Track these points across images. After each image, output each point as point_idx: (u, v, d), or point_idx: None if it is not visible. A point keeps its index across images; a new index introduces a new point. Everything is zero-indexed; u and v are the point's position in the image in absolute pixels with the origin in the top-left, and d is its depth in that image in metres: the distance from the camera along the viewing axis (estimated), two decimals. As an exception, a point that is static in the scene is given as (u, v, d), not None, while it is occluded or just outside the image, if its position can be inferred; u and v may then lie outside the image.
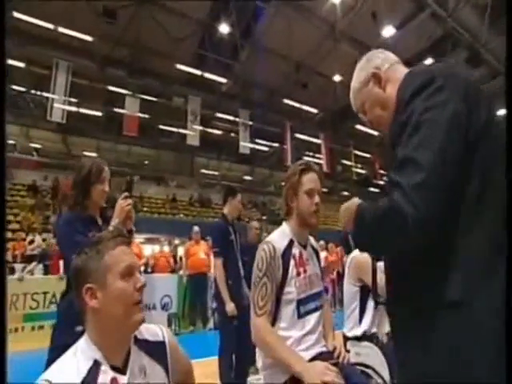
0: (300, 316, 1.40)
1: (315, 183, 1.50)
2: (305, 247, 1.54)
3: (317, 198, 1.49)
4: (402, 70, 1.02)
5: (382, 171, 21.33)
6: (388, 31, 11.86)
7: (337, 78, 14.67)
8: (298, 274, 1.43)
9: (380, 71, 1.03)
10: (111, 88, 13.51)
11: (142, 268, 8.07)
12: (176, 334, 5.84)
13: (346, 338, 2.07)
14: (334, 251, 8.79)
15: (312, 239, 1.67)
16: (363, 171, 22.35)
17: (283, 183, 1.58)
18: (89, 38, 10.87)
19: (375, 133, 19.01)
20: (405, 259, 0.86)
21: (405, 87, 0.89)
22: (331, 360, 1.38)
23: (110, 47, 12.17)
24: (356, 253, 2.07)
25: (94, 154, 16.99)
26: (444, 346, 0.76)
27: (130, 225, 1.76)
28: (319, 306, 1.50)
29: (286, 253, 1.43)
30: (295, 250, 1.47)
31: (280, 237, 1.49)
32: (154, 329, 1.06)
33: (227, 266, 3.05)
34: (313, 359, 1.36)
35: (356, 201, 0.99)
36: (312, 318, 1.44)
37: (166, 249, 8.77)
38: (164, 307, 6.17)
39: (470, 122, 0.80)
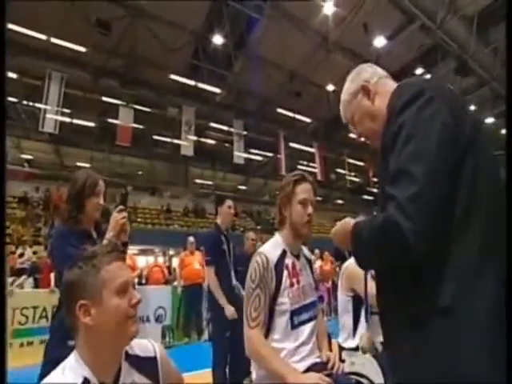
0: (294, 327, 1.40)
1: (309, 193, 1.51)
2: (298, 257, 1.55)
3: (310, 209, 1.50)
4: (391, 84, 1.06)
5: (375, 179, 21.49)
6: (379, 42, 12.14)
7: (330, 87, 14.86)
8: (292, 284, 1.43)
9: (369, 84, 1.05)
10: (105, 99, 13.52)
11: (136, 280, 7.99)
12: (170, 346, 5.75)
13: (341, 348, 2.04)
14: (328, 260, 8.76)
15: (305, 249, 1.68)
16: (357, 179, 22.48)
17: (277, 192, 1.59)
18: (82, 49, 10.87)
19: (368, 141, 19.16)
20: (396, 269, 0.87)
21: (396, 98, 0.91)
22: (325, 371, 1.37)
23: (104, 58, 12.20)
24: (349, 262, 2.07)
25: (87, 165, 16.90)
26: (436, 351, 0.76)
27: (125, 237, 1.74)
28: (313, 317, 1.50)
29: (279, 263, 1.43)
30: (288, 261, 1.47)
31: (273, 247, 1.50)
32: (146, 344, 1.04)
33: (219, 275, 3.04)
34: (307, 370, 1.35)
35: (348, 220, 1.01)
36: (306, 329, 1.43)
37: (160, 260, 8.68)
38: (158, 319, 6.06)
39: (457, 134, 0.82)
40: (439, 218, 0.78)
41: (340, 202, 23.36)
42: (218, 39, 11.76)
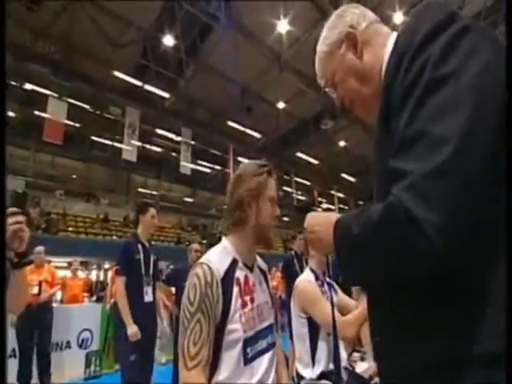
0: (247, 361, 1.04)
1: (275, 191, 1.21)
2: (251, 269, 1.19)
3: (277, 210, 1.20)
4: (386, 32, 0.75)
5: (320, 199, 22.33)
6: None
7: (280, 104, 15.19)
8: (244, 304, 1.08)
9: (356, 31, 0.77)
10: (29, 86, 11.88)
11: (59, 297, 6.98)
12: (96, 376, 4.96)
13: (299, 377, 1.79)
14: (275, 276, 8.59)
15: (259, 258, 1.30)
16: (303, 198, 23.12)
17: (232, 186, 1.20)
18: None
19: (315, 161, 19.98)
20: (406, 289, 0.60)
21: (408, 36, 0.61)
22: None
23: (29, 38, 10.79)
24: (300, 279, 1.86)
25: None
26: None
27: (21, 247, 1.37)
28: (271, 344, 1.16)
29: (228, 277, 1.07)
30: (239, 274, 1.12)
31: (219, 256, 1.12)
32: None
33: (129, 289, 2.72)
34: None
35: (331, 214, 0.74)
36: (263, 361, 1.09)
37: (81, 274, 7.66)
38: (82, 345, 5.22)
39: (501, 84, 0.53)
40: (477, 206, 0.51)
41: (286, 219, 23.81)
42: (168, 40, 11.29)
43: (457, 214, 0.50)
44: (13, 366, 4.14)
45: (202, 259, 1.09)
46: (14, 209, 1.35)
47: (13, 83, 11.97)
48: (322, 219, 0.75)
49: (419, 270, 0.55)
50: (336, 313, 1.53)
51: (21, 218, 1.34)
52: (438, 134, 0.51)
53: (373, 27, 0.78)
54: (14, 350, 4.33)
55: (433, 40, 0.56)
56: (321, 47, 0.84)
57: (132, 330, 2.61)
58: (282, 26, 11.13)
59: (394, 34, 0.72)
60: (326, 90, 0.87)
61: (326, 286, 1.86)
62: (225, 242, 1.18)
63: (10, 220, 1.31)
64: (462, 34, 0.55)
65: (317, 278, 1.84)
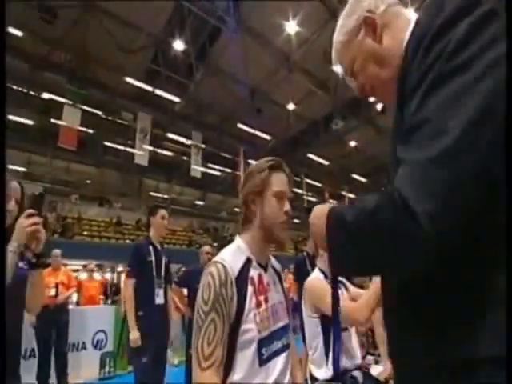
0: (263, 362, 1.03)
1: (285, 187, 1.17)
2: (265, 269, 1.18)
3: (287, 205, 1.15)
4: (405, 15, 0.72)
5: (331, 200, 22.14)
6: (339, 68, 12.58)
7: (290, 106, 15.16)
8: (259, 304, 1.07)
9: (374, 15, 0.74)
10: (46, 95, 12.21)
11: (74, 299, 7.11)
12: (110, 376, 5.04)
13: (313, 379, 1.77)
14: (287, 278, 8.54)
15: (273, 259, 1.29)
16: (314, 199, 22.98)
17: (240, 186, 1.19)
18: (18, 33, 9.64)
19: (326, 162, 19.85)
20: (418, 287, 0.59)
21: (428, 19, 0.58)
22: None
23: (46, 49, 11.10)
24: (310, 277, 1.85)
25: (22, 169, 15.33)
26: None
27: (38, 248, 1.42)
28: (286, 345, 1.14)
29: (242, 276, 1.06)
30: (254, 273, 1.10)
31: (233, 255, 1.11)
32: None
33: (139, 290, 2.72)
34: None
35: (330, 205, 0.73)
36: (278, 362, 1.08)
37: (97, 276, 7.77)
38: (97, 345, 5.30)
39: None
40: (474, 197, 0.49)
41: (297, 221, 23.69)
42: (178, 45, 11.41)
43: (449, 202, 0.49)
44: (32, 366, 4.26)
45: (216, 258, 1.08)
46: (31, 210, 1.39)
47: (31, 93, 12.33)
48: (321, 211, 0.73)
49: (414, 259, 0.54)
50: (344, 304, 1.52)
51: (38, 219, 1.37)
52: (441, 124, 0.50)
53: (392, 10, 0.75)
54: (33, 350, 4.46)
55: (454, 24, 0.53)
56: (337, 37, 0.82)
57: (134, 335, 2.60)
58: (291, 27, 11.12)
59: (415, 16, 0.69)
60: (345, 78, 0.86)
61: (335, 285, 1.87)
62: (238, 241, 1.16)
63: (28, 221, 1.34)
64: (485, 20, 0.52)
65: (326, 277, 1.82)
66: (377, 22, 0.74)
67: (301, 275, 4.10)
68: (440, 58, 0.53)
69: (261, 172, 1.14)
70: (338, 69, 0.87)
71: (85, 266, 7.32)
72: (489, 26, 0.52)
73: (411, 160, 0.53)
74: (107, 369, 5.14)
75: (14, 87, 11.67)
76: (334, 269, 0.68)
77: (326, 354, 1.73)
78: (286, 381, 1.09)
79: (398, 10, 0.75)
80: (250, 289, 1.05)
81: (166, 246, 15.11)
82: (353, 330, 1.88)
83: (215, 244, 17.97)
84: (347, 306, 1.57)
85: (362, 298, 1.60)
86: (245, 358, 1.00)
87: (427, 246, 0.51)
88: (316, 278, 1.83)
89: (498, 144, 0.49)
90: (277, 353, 1.08)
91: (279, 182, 1.15)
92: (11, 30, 9.33)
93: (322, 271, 1.87)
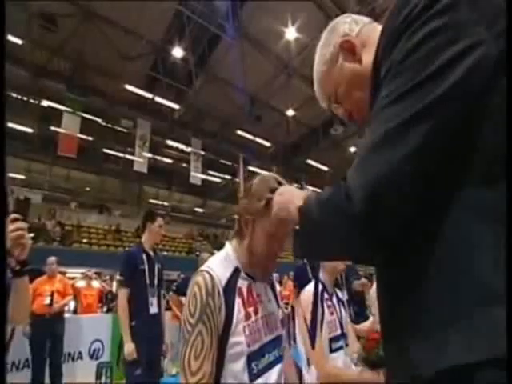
0: (253, 377, 0.96)
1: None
2: (255, 279, 1.11)
3: (277, 246, 1.09)
4: (379, 30, 0.73)
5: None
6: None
7: (290, 112, 15.20)
8: (248, 316, 1.01)
9: (350, 38, 0.75)
10: (46, 103, 12.24)
11: (72, 307, 7.00)
12: (107, 388, 4.92)
13: None
14: (287, 285, 8.45)
15: None
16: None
17: (241, 197, 1.13)
18: (18, 41, 9.65)
19: (326, 168, 19.86)
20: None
21: (393, 16, 0.57)
22: None
23: (46, 56, 11.17)
24: (305, 290, 1.80)
25: (21, 177, 15.31)
26: None
27: (23, 255, 1.35)
28: (279, 357, 1.08)
29: (230, 287, 1.00)
30: (242, 283, 1.05)
31: (221, 264, 1.05)
32: None
33: (133, 301, 2.63)
34: None
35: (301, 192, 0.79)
36: (270, 377, 1.01)
37: (96, 284, 7.67)
38: (93, 355, 5.18)
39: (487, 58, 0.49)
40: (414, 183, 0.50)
41: (297, 227, 23.80)
42: (178, 52, 11.48)
43: (381, 181, 0.50)
44: (26, 377, 4.18)
45: (203, 267, 1.02)
46: (15, 215, 1.32)
47: (31, 101, 12.37)
48: (293, 189, 0.81)
49: (352, 242, 0.57)
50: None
51: (22, 224, 1.30)
52: (389, 113, 0.52)
53: (367, 28, 0.76)
54: (27, 361, 4.34)
55: (413, 21, 0.52)
56: (317, 68, 0.82)
57: (128, 348, 2.51)
58: (291, 34, 11.19)
59: None
60: (332, 109, 0.85)
61: (334, 299, 1.79)
62: (228, 248, 1.11)
63: (12, 227, 1.27)
64: (440, 14, 0.50)
65: (324, 290, 1.75)
66: (354, 43, 0.74)
67: (301, 282, 4.01)
68: (397, 57, 0.53)
69: (260, 200, 1.03)
70: (322, 102, 0.87)
71: (84, 274, 7.20)
72: (441, 18, 0.50)
73: (359, 148, 0.57)
74: (103, 379, 4.99)
75: (14, 95, 11.72)
76: (295, 251, 0.72)
77: (309, 364, 1.69)
78: None
79: (373, 26, 0.76)
80: (238, 300, 1.00)
81: (165, 253, 15.02)
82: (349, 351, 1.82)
83: (215, 251, 17.85)
84: (318, 355, 1.56)
85: (339, 370, 1.58)
86: (234, 372, 0.94)
87: (360, 222, 0.52)
88: (309, 293, 1.74)
89: (432, 143, 0.49)
90: (268, 367, 1.01)
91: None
92: (12, 38, 9.41)
93: (321, 282, 1.79)
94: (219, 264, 1.04)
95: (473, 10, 0.50)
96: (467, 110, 0.48)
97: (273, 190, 1.00)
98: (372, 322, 2.15)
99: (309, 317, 1.63)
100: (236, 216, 1.12)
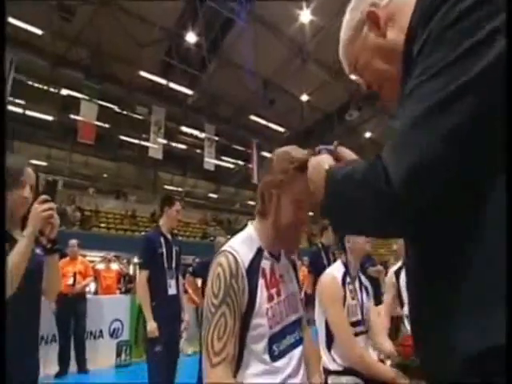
0: (274, 358, 0.97)
1: (307, 194, 1.00)
2: (278, 259, 1.10)
3: (304, 214, 1.07)
4: (412, 3, 0.67)
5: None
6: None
7: (304, 97, 14.95)
8: (270, 298, 1.00)
9: (377, 9, 0.72)
10: (65, 91, 12.48)
11: (92, 288, 7.31)
12: (126, 364, 5.17)
13: (327, 372, 1.74)
14: (301, 270, 8.52)
15: None
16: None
17: (262, 175, 1.10)
18: (38, 31, 9.85)
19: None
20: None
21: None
22: None
23: (64, 46, 11.32)
24: (326, 272, 1.78)
25: (43, 163, 15.73)
26: None
27: (53, 234, 1.44)
28: (299, 339, 1.08)
29: (253, 268, 0.99)
30: (265, 264, 1.03)
31: (244, 244, 1.03)
32: None
33: (152, 283, 2.72)
34: None
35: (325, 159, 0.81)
36: (292, 358, 1.02)
37: (115, 266, 7.97)
38: (113, 334, 5.44)
39: None
40: (454, 164, 0.49)
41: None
42: (191, 37, 11.39)
43: (420, 166, 0.49)
44: (54, 350, 4.57)
45: (226, 247, 1.00)
46: (44, 196, 1.41)
47: (51, 90, 12.60)
48: (318, 163, 0.80)
49: (386, 220, 0.56)
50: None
51: (51, 204, 1.38)
52: (429, 88, 0.50)
53: (397, 1, 0.71)
54: (54, 336, 4.68)
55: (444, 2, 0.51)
56: (343, 33, 0.80)
57: (151, 326, 2.60)
58: (305, 16, 10.90)
59: None
60: (352, 77, 0.84)
61: (357, 284, 1.76)
62: (250, 228, 1.09)
63: (42, 207, 1.36)
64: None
65: (347, 274, 1.72)
66: (379, 15, 0.71)
67: (316, 268, 4.02)
68: (439, 26, 0.51)
69: (284, 172, 1.03)
70: (344, 66, 0.84)
71: (103, 258, 7.51)
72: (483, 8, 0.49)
73: (398, 125, 0.54)
74: (123, 357, 5.27)
75: (36, 84, 11.95)
76: (324, 217, 0.72)
77: (328, 348, 1.69)
78: (300, 377, 1.03)
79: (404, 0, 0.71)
80: (261, 281, 0.99)
81: (179, 238, 15.31)
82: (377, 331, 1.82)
83: (228, 236, 18.02)
84: (349, 340, 1.58)
85: (371, 359, 1.61)
86: (255, 354, 0.95)
87: (395, 202, 0.52)
88: (331, 276, 1.72)
89: (479, 115, 0.47)
90: (289, 348, 1.02)
91: (302, 188, 1.00)
92: (32, 28, 9.57)
93: (345, 265, 1.76)
94: (242, 244, 1.02)
95: None
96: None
97: (294, 161, 1.03)
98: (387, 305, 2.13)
99: (328, 309, 1.63)
100: (259, 193, 1.08)
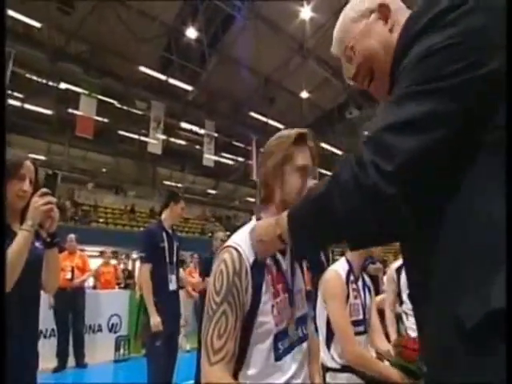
0: (279, 357, 0.94)
1: (309, 160, 1.06)
2: (283, 252, 1.05)
3: (310, 181, 1.04)
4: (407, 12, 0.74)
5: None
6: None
7: (304, 94, 14.91)
8: (276, 294, 0.97)
9: (389, 6, 0.75)
10: (63, 85, 12.41)
11: (91, 283, 7.33)
12: (125, 359, 5.19)
13: (325, 369, 1.74)
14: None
15: None
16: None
17: (260, 163, 1.09)
18: (37, 24, 9.74)
19: (340, 152, 19.55)
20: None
21: (414, 19, 0.64)
22: None
23: (63, 39, 11.26)
24: (330, 268, 1.78)
25: (41, 158, 15.67)
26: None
27: (52, 227, 1.43)
28: (304, 336, 1.05)
29: (258, 264, 0.94)
30: (271, 259, 0.99)
31: (249, 239, 0.98)
32: None
33: (153, 277, 2.71)
34: None
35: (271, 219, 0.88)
36: (296, 355, 1.00)
37: (113, 262, 8.00)
38: (112, 329, 5.46)
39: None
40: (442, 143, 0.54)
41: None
42: (191, 32, 11.32)
43: (403, 159, 0.54)
44: (53, 344, 4.58)
45: (230, 242, 0.97)
46: (45, 189, 1.40)
47: (50, 83, 12.53)
48: (266, 223, 0.87)
49: (369, 210, 0.59)
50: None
51: (52, 198, 1.38)
52: (410, 96, 0.56)
53: (402, 12, 0.75)
54: (53, 330, 4.69)
55: (432, 27, 0.57)
56: (348, 12, 0.80)
57: (155, 320, 2.59)
58: (306, 13, 10.85)
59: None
60: (341, 57, 0.84)
61: (360, 283, 1.75)
62: (254, 222, 1.04)
63: (42, 200, 1.35)
64: (467, 15, 0.54)
65: (351, 272, 1.71)
66: (392, 10, 0.75)
67: (313, 264, 3.99)
68: (417, 54, 0.58)
69: (281, 145, 1.04)
70: (335, 44, 0.85)
71: (101, 253, 7.52)
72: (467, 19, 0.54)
73: (374, 129, 0.60)
74: (122, 351, 5.30)
75: (34, 78, 11.86)
76: (297, 249, 0.79)
77: (328, 346, 1.70)
78: (303, 375, 1.01)
79: (406, 13, 0.75)
80: (266, 277, 0.95)
81: (178, 234, 15.31)
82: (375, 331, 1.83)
83: (227, 233, 18.08)
84: (348, 336, 1.57)
85: (370, 355, 1.62)
86: (259, 352, 0.91)
87: (376, 191, 0.56)
88: (335, 272, 1.70)
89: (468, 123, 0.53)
90: (294, 345, 1.00)
91: (303, 155, 1.03)
92: (31, 21, 9.46)
93: (348, 263, 1.75)
94: (247, 239, 0.96)
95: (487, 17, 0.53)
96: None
97: (288, 135, 1.05)
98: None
99: (328, 297, 1.63)
100: (261, 180, 1.06)
